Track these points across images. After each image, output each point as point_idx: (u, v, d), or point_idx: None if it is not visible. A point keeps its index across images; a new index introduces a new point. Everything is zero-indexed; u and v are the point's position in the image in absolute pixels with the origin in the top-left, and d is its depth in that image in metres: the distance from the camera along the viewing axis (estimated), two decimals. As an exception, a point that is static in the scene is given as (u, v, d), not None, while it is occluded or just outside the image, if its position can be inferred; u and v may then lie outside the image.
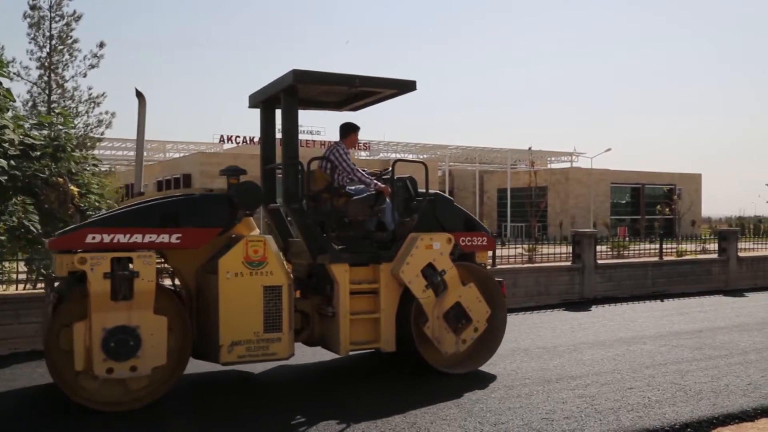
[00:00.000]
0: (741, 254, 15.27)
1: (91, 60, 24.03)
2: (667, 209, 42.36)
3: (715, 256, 15.15)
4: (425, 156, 51.76)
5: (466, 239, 7.10)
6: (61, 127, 8.78)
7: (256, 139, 47.50)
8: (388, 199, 6.89)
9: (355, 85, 6.76)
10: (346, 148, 7.07)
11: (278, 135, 7.25)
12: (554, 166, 55.43)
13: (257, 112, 7.46)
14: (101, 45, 24.37)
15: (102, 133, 24.97)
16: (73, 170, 8.56)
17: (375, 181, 6.94)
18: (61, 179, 8.65)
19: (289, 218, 7.08)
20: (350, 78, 6.68)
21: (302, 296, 6.77)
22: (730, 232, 15.65)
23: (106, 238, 5.48)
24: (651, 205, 47.99)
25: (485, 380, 6.55)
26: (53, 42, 23.58)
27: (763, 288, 14.69)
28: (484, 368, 6.95)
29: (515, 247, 15.62)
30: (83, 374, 5.45)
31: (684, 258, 15.20)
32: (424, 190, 7.04)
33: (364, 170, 7.13)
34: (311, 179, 6.78)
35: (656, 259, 14.26)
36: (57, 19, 23.61)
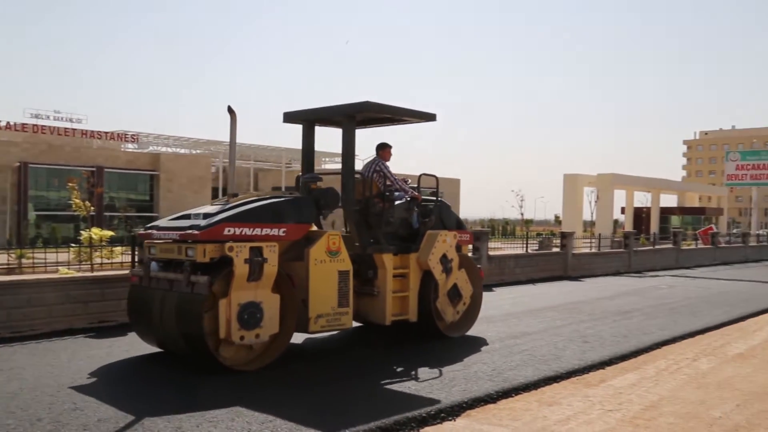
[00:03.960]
0: (491, 253, 16.89)
1: None
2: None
3: (469, 254, 16.56)
4: (198, 151, 50.13)
5: (459, 235, 8.98)
6: None
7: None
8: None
9: (400, 115, 8.50)
10: (386, 162, 8.71)
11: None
12: (328, 166, 56.80)
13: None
14: None
15: None
16: None
17: (411, 190, 8.80)
18: None
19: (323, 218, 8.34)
20: (398, 109, 8.41)
21: None
22: (482, 232, 17.21)
23: (237, 231, 6.70)
24: (416, 207, 51.08)
25: (262, 380, 6.51)
26: None
27: (508, 283, 16.41)
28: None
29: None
30: (222, 342, 6.60)
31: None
32: (431, 197, 9.11)
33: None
34: (366, 187, 8.40)
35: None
36: None
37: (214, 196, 44.65)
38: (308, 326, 7.27)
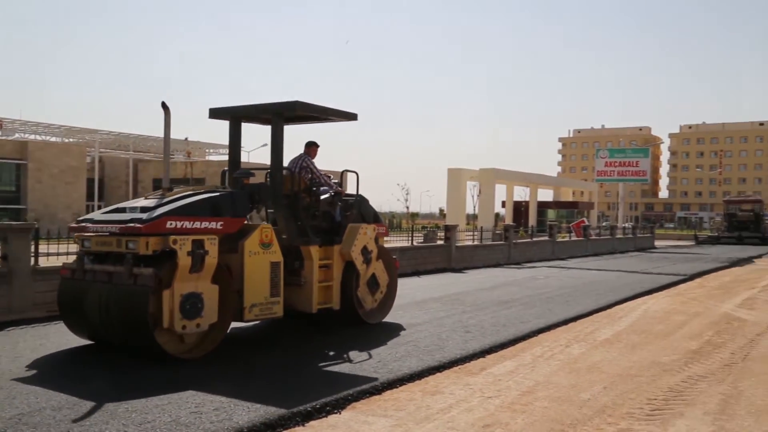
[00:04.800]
0: (377, 246, 17.03)
1: None
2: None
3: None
4: (72, 140, 47.39)
5: (377, 228, 9.46)
6: None
7: None
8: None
9: (326, 114, 8.93)
10: (312, 159, 9.18)
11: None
12: (213, 158, 55.44)
13: None
14: None
15: None
16: None
17: (335, 185, 9.28)
18: None
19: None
20: (325, 109, 8.83)
21: None
22: (369, 226, 17.38)
23: (178, 224, 6.89)
24: (303, 199, 50.71)
25: (123, 378, 6.24)
26: None
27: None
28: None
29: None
30: (167, 332, 6.77)
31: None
32: (353, 192, 9.57)
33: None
34: (294, 182, 8.72)
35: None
36: None
37: (90, 187, 42.43)
38: (243, 315, 7.58)
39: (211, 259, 7.01)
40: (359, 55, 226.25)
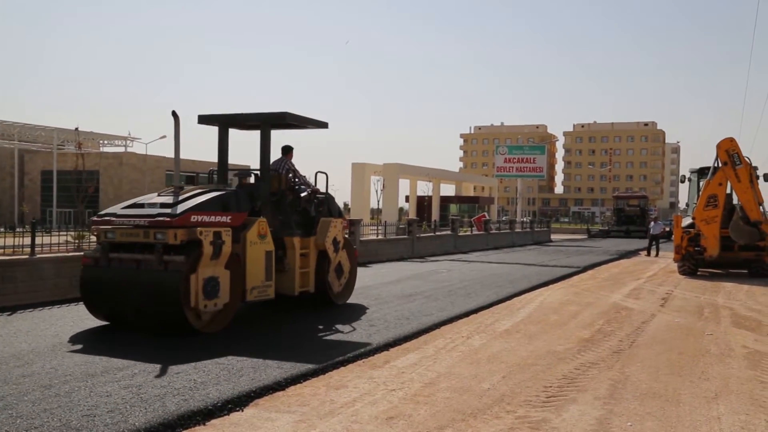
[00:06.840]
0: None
1: None
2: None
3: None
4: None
5: (342, 222, 10.81)
6: None
7: None
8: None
9: (306, 123, 10.21)
10: (291, 161, 10.47)
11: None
12: (107, 149, 53.12)
13: None
14: None
15: None
16: None
17: (312, 184, 10.57)
18: None
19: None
20: (306, 119, 10.19)
21: None
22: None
23: (200, 219, 8.00)
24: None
25: (20, 380, 5.87)
26: None
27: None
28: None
29: (61, 234, 14.12)
30: (193, 310, 7.87)
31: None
32: (323, 190, 10.82)
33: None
34: (281, 182, 9.99)
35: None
36: None
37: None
38: (246, 296, 8.70)
39: (227, 248, 8.18)
40: (266, 47, 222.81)
